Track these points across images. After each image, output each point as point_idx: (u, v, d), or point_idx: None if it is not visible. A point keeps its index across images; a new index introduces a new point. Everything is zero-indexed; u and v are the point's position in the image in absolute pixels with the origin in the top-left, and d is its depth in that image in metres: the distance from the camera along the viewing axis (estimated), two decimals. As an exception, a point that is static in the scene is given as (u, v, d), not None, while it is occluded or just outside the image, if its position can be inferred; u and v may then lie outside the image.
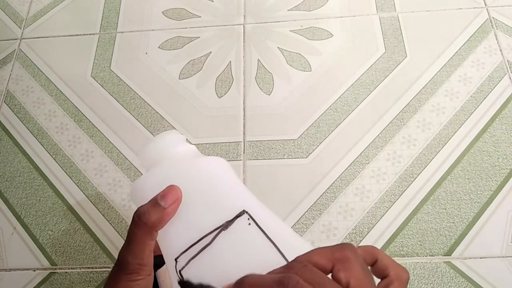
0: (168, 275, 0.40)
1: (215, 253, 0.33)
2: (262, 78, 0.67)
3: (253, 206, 0.34)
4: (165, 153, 0.38)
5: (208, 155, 0.61)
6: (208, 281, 0.31)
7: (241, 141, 0.62)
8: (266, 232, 0.33)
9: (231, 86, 0.67)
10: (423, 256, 0.53)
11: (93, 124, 0.66)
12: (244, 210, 0.34)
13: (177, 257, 0.33)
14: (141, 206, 0.34)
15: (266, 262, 0.32)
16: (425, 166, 0.58)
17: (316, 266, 0.25)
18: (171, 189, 0.34)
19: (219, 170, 0.37)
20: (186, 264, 0.33)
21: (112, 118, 0.66)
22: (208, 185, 0.35)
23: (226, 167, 0.36)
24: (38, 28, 0.76)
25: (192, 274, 0.32)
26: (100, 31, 0.75)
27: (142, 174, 0.60)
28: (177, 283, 0.32)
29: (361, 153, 0.60)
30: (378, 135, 0.61)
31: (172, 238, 0.34)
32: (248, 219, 0.34)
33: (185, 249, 0.33)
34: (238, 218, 0.34)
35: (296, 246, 0.32)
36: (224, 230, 0.33)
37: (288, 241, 0.33)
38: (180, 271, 0.33)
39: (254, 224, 0.33)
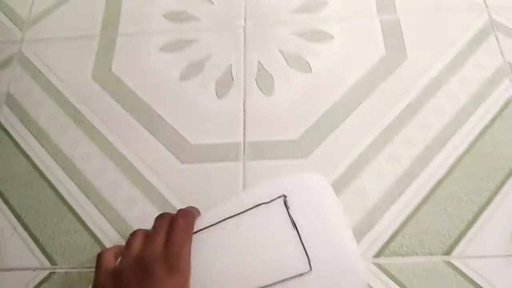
0: None
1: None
2: (262, 79, 0.67)
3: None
4: None
5: (208, 155, 0.61)
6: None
7: (241, 142, 0.62)
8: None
9: (231, 87, 0.67)
10: (422, 255, 0.53)
11: (93, 126, 0.66)
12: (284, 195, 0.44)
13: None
14: None
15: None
16: (425, 166, 0.58)
17: None
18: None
19: None
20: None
21: (112, 120, 0.66)
22: None
23: None
24: (39, 30, 0.77)
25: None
26: (100, 34, 0.75)
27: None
28: None
29: (361, 154, 0.60)
30: (378, 136, 0.61)
31: None
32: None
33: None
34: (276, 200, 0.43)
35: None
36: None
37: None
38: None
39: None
